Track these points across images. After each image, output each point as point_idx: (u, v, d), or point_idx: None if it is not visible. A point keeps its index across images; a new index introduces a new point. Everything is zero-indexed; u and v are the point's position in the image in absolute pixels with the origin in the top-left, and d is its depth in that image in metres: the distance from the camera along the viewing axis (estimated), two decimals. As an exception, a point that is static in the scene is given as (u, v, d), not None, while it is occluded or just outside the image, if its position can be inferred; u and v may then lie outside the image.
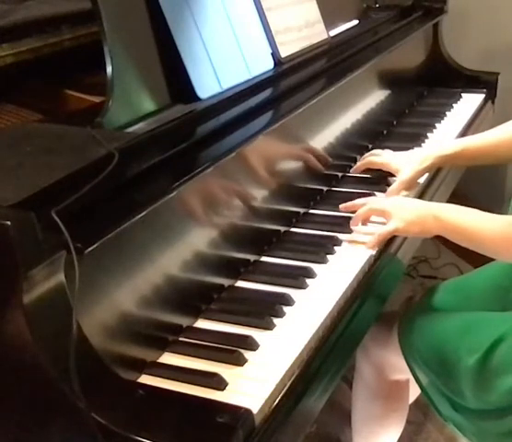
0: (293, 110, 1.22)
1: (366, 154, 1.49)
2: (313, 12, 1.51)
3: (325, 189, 1.38)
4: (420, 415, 1.74)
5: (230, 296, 1.03)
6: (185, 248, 0.95)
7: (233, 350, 0.88)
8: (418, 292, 2.15)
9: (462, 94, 2.00)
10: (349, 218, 1.21)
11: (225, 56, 1.18)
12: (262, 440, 0.77)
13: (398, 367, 1.28)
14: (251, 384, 0.83)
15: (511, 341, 1.10)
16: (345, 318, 1.01)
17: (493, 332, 1.12)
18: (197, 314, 0.97)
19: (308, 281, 1.06)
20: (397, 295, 1.64)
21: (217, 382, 0.82)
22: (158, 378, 0.84)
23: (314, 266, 1.09)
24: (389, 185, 1.37)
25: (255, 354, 0.89)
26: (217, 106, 1.11)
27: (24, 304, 0.68)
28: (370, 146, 1.59)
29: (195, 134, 1.05)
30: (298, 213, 1.27)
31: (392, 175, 1.39)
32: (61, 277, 0.72)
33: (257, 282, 1.06)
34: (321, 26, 1.53)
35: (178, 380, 0.83)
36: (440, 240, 1.31)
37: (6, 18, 1.20)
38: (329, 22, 1.56)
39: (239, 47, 1.23)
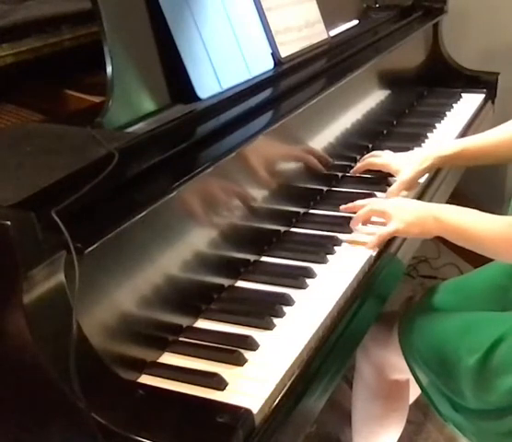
0: (293, 110, 1.22)
1: (367, 155, 1.49)
2: (313, 12, 1.51)
3: (325, 189, 1.38)
4: (420, 415, 1.74)
5: (230, 296, 1.03)
6: (185, 248, 0.95)
7: (233, 350, 0.88)
8: (418, 292, 2.14)
9: (462, 94, 2.00)
10: (349, 218, 1.21)
11: (225, 56, 1.18)
12: (262, 440, 0.77)
13: (398, 367, 1.28)
14: (251, 384, 0.83)
15: (511, 341, 1.10)
16: (345, 318, 1.01)
17: (493, 332, 1.12)
18: (197, 314, 0.97)
19: (308, 281, 1.06)
20: (397, 295, 1.64)
21: (217, 382, 0.82)
22: (158, 378, 0.84)
23: (314, 266, 1.09)
24: (389, 185, 1.37)
25: (255, 354, 0.89)
26: (217, 106, 1.11)
27: (24, 304, 0.68)
28: (370, 146, 1.59)
29: (195, 134, 1.05)
30: (298, 213, 1.27)
31: (392, 175, 1.39)
32: (61, 277, 0.72)
33: (257, 282, 1.06)
34: (321, 26, 1.53)
35: (178, 380, 0.83)
36: (440, 240, 1.31)
37: (6, 18, 1.20)
38: (329, 22, 1.56)
39: (239, 47, 1.23)
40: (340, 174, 1.45)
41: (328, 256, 1.12)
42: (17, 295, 0.68)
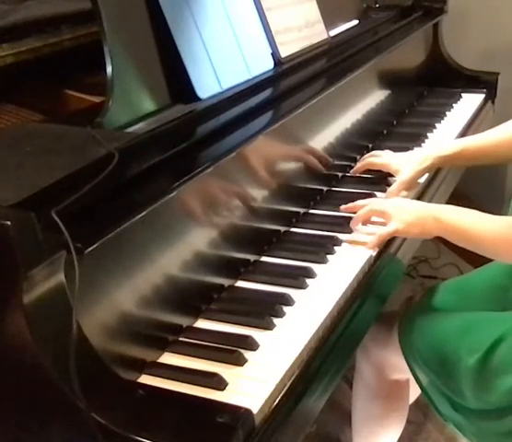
0: (293, 110, 1.22)
1: (366, 155, 1.49)
2: (313, 12, 1.51)
3: (325, 189, 1.38)
4: (420, 415, 1.74)
5: (230, 296, 1.03)
6: (185, 248, 0.95)
7: (233, 350, 0.88)
8: (418, 292, 2.14)
9: (462, 94, 2.00)
10: (349, 218, 1.21)
11: (225, 56, 1.18)
12: (262, 440, 0.77)
13: (398, 367, 1.28)
14: (251, 384, 0.83)
15: (511, 341, 1.10)
16: (345, 318, 1.01)
17: (493, 332, 1.12)
18: (197, 314, 0.97)
19: (308, 281, 1.06)
20: (397, 295, 1.64)
21: (217, 382, 0.82)
22: (158, 378, 0.84)
23: (314, 266, 1.09)
24: (389, 185, 1.37)
25: (255, 354, 0.89)
26: (217, 106, 1.11)
27: (24, 304, 0.68)
28: (370, 146, 1.59)
29: (195, 134, 1.05)
30: (298, 213, 1.27)
31: (392, 175, 1.39)
32: (61, 277, 0.72)
33: (257, 282, 1.06)
34: (321, 26, 1.53)
35: (178, 380, 0.83)
36: (440, 240, 1.31)
37: (6, 18, 1.20)
38: (329, 22, 1.56)
39: (239, 47, 1.23)
40: (340, 174, 1.45)
41: (328, 256, 1.12)
42: (17, 295, 0.68)
